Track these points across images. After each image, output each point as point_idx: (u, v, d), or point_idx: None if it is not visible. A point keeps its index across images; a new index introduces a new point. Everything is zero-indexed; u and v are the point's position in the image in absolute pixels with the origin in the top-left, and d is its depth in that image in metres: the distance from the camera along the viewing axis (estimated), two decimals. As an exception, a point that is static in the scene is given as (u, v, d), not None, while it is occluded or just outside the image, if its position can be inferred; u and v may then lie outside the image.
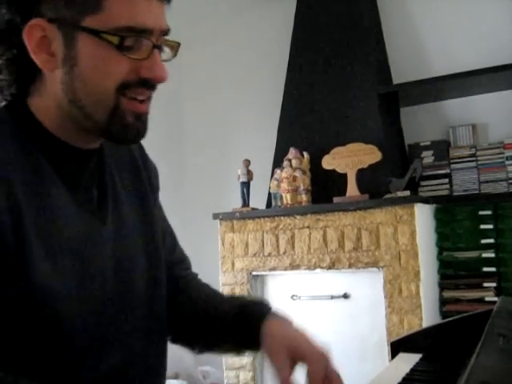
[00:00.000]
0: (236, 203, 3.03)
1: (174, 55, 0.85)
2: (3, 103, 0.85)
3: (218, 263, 2.97)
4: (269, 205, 2.99)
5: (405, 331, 2.45)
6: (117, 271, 0.86)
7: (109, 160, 0.92)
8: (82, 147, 0.85)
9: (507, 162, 2.71)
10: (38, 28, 0.77)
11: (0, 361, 0.73)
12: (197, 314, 1.00)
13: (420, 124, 3.05)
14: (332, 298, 2.72)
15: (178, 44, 0.85)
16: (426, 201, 2.68)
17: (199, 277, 1.13)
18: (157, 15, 0.79)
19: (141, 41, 0.77)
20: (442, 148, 2.88)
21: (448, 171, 2.84)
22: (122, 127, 0.80)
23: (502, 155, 2.73)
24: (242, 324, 0.92)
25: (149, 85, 0.80)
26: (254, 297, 1.02)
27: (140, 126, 0.82)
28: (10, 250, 0.73)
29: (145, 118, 0.83)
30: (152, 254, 0.94)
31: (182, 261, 1.09)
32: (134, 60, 0.77)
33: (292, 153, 2.90)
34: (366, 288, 2.66)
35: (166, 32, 0.81)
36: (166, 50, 0.84)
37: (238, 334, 0.92)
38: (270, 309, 0.93)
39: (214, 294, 1.04)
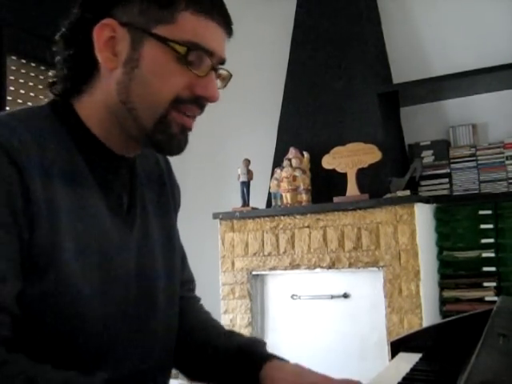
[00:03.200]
0: (236, 203, 3.03)
1: (224, 86, 0.89)
2: (47, 99, 0.87)
3: (217, 263, 2.97)
4: (269, 204, 2.99)
5: (405, 331, 2.46)
6: (139, 279, 0.88)
7: (139, 171, 0.94)
8: (119, 153, 0.87)
9: (507, 162, 2.71)
10: (109, 28, 0.80)
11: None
12: (195, 345, 1.00)
13: (420, 124, 3.05)
14: (332, 297, 2.72)
15: (230, 76, 0.89)
16: (426, 200, 2.68)
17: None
18: (220, 42, 0.84)
19: (202, 59, 0.81)
20: (441, 148, 2.88)
21: (448, 171, 2.84)
22: (166, 136, 0.83)
23: (501, 155, 2.73)
24: (241, 364, 0.92)
25: (200, 103, 0.84)
26: (252, 337, 1.02)
27: (182, 138, 0.85)
28: (42, 241, 0.74)
29: (187, 132, 0.86)
30: (170, 270, 0.96)
31: (189, 282, 1.11)
32: (192, 75, 0.81)
33: (292, 152, 2.91)
34: (365, 288, 2.66)
35: (223, 61, 0.86)
36: (217, 80, 0.87)
37: (236, 374, 0.92)
38: (267, 350, 0.94)
39: (213, 327, 1.04)
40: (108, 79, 0.83)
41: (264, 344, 0.96)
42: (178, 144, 0.85)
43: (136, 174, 0.93)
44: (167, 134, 0.83)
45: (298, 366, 0.92)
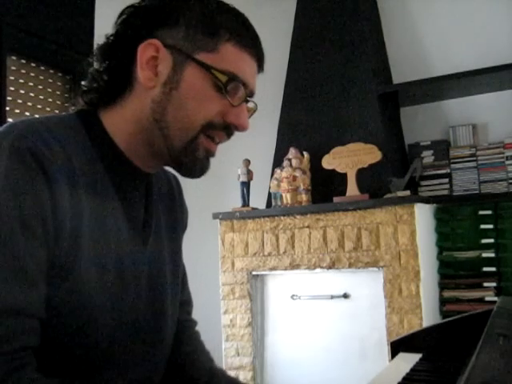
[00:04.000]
0: (236, 203, 3.03)
1: (249, 117, 0.92)
2: (75, 109, 0.89)
3: (218, 263, 2.97)
4: (269, 204, 2.99)
5: (405, 331, 2.46)
6: (150, 292, 0.90)
7: (155, 189, 0.97)
8: (141, 167, 0.89)
9: (507, 162, 2.71)
10: (153, 48, 0.83)
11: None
12: (182, 375, 1.01)
13: (420, 124, 3.06)
14: (332, 297, 2.72)
15: (256, 109, 0.93)
16: (426, 200, 2.68)
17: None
18: (254, 76, 0.89)
19: (238, 89, 0.85)
20: (442, 148, 2.88)
21: (448, 171, 2.84)
22: (192, 159, 0.86)
23: (501, 155, 2.73)
24: None
25: (229, 130, 0.88)
26: (233, 378, 1.03)
27: (206, 163, 0.89)
28: (64, 248, 0.76)
29: (211, 157, 0.89)
30: (175, 287, 0.98)
31: (188, 303, 1.11)
32: (226, 103, 0.84)
33: (292, 153, 2.91)
34: (365, 288, 2.66)
35: (252, 95, 0.90)
36: None
37: None
38: None
39: (199, 363, 1.04)
40: (144, 96, 0.85)
41: None
42: (200, 168, 0.88)
43: (152, 189, 0.95)
44: (193, 157, 0.86)
45: None
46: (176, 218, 1.02)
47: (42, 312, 0.74)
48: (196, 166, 0.88)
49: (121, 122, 0.86)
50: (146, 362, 0.89)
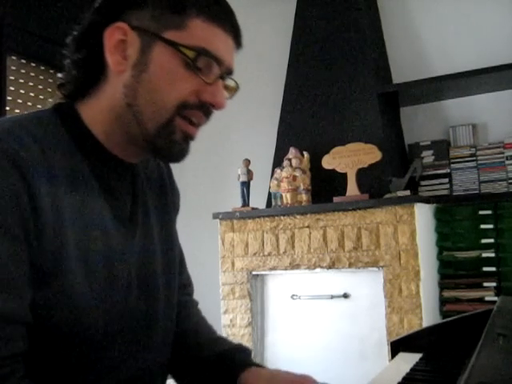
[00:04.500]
0: (236, 203, 3.03)
1: (231, 97, 0.89)
2: (51, 100, 0.88)
3: (217, 263, 2.97)
4: (269, 204, 2.99)
5: (405, 331, 2.46)
6: (140, 284, 0.88)
7: (141, 176, 0.94)
8: (123, 158, 0.87)
9: (507, 162, 2.71)
10: (120, 31, 0.81)
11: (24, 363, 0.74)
12: (184, 349, 1.01)
13: (420, 124, 3.06)
14: (332, 297, 2.72)
15: (237, 87, 0.89)
16: (426, 200, 2.68)
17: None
18: (229, 52, 0.84)
19: (211, 66, 0.81)
20: (441, 148, 2.88)
21: (448, 171, 2.84)
22: (168, 143, 0.83)
23: (501, 155, 2.73)
24: (219, 372, 0.94)
25: (206, 110, 0.84)
26: (238, 344, 1.03)
27: (184, 146, 0.85)
28: (48, 248, 0.75)
29: (190, 140, 0.86)
30: (170, 276, 0.96)
31: (187, 285, 1.11)
32: (200, 82, 0.81)
33: (292, 152, 2.91)
34: (365, 288, 2.66)
35: (231, 72, 0.86)
36: (224, 91, 0.87)
37: (215, 382, 0.94)
38: (249, 356, 0.96)
39: (202, 334, 1.04)
40: (116, 82, 0.83)
41: (246, 351, 0.97)
42: (178, 151, 0.85)
43: (138, 179, 0.93)
44: (169, 141, 0.83)
45: (275, 370, 0.94)
46: (167, 201, 1.00)
47: (29, 316, 0.73)
48: (173, 150, 0.84)
49: (97, 112, 0.85)
50: (142, 352, 0.88)
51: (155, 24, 0.80)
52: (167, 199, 1.01)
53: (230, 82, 0.88)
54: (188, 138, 0.85)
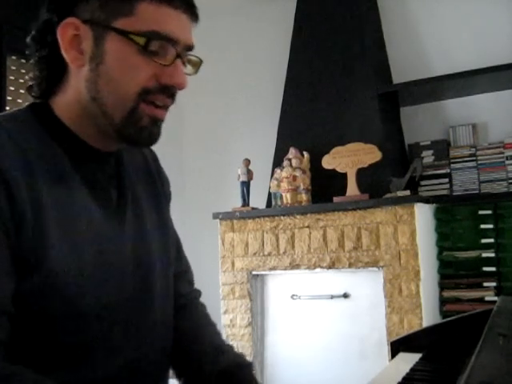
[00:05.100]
0: (236, 203, 3.03)
1: (196, 72, 0.89)
2: (27, 103, 0.88)
3: (217, 263, 2.97)
4: (269, 204, 2.99)
5: (405, 331, 2.46)
6: (135, 267, 0.88)
7: (127, 165, 0.95)
8: (100, 148, 0.88)
9: (507, 162, 2.71)
10: (72, 26, 0.81)
11: (14, 350, 0.74)
12: (186, 350, 1.00)
13: (420, 124, 3.05)
14: (332, 297, 2.72)
15: (200, 61, 0.88)
16: (426, 200, 2.68)
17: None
18: (184, 29, 0.83)
19: (166, 48, 0.81)
20: (441, 148, 2.88)
21: (448, 171, 2.84)
22: (137, 129, 0.83)
23: (501, 155, 2.73)
24: None
25: (168, 92, 0.84)
26: (240, 358, 1.02)
27: (154, 130, 0.85)
28: (29, 239, 0.75)
29: (160, 123, 0.86)
30: (165, 258, 0.96)
31: (187, 272, 1.10)
32: (157, 65, 0.81)
33: (292, 152, 2.91)
34: (365, 288, 2.66)
35: (190, 47, 0.85)
36: (188, 66, 0.87)
37: None
38: (251, 372, 0.95)
39: (206, 340, 1.02)
40: (77, 77, 0.84)
41: (249, 367, 0.97)
42: (148, 136, 0.85)
43: (123, 167, 0.93)
44: (137, 127, 0.83)
45: None
46: (157, 189, 1.00)
47: (9, 306, 0.73)
48: (143, 135, 0.84)
49: (67, 107, 0.85)
50: (140, 339, 0.88)
51: (104, 14, 0.80)
52: (156, 186, 1.01)
53: (192, 58, 0.88)
54: (156, 120, 0.85)
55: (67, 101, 0.85)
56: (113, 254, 0.85)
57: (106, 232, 0.84)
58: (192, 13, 0.85)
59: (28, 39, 0.86)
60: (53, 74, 0.86)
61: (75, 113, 0.85)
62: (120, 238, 0.87)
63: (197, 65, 0.89)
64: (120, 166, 0.93)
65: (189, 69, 0.88)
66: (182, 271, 1.06)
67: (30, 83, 0.88)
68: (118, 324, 0.84)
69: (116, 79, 0.81)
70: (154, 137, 0.86)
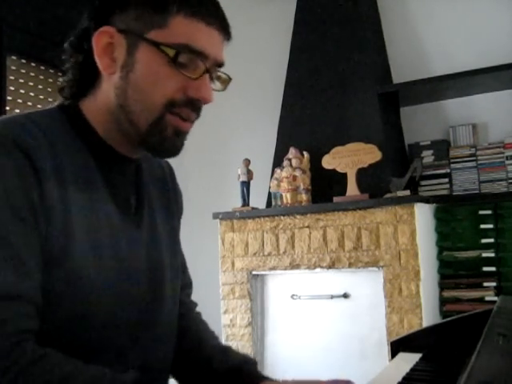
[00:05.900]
0: (236, 203, 3.03)
1: (224, 89, 0.90)
2: (57, 103, 0.91)
3: (217, 263, 2.97)
4: (269, 204, 2.99)
5: (405, 331, 2.46)
6: (149, 273, 0.90)
7: (146, 175, 0.97)
8: (124, 154, 0.90)
9: (507, 162, 2.71)
10: (107, 35, 0.84)
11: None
12: (189, 355, 1.01)
13: (420, 124, 3.05)
14: (332, 297, 2.72)
15: (229, 79, 0.90)
16: (426, 200, 2.68)
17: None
18: (214, 45, 0.85)
19: (195, 62, 0.83)
20: (441, 148, 2.88)
21: (448, 171, 2.84)
22: (160, 139, 0.85)
23: (501, 155, 2.73)
24: None
25: (194, 105, 0.85)
26: (245, 356, 1.03)
27: (177, 141, 0.87)
28: (56, 235, 0.77)
29: (184, 136, 0.88)
30: (174, 267, 0.98)
31: (189, 286, 1.12)
32: (185, 78, 0.83)
33: (292, 152, 2.91)
34: (365, 288, 2.66)
35: (220, 64, 0.87)
36: (217, 82, 0.90)
37: None
38: (257, 368, 0.97)
39: (207, 341, 1.04)
40: (108, 84, 0.86)
41: (255, 364, 0.98)
42: (171, 147, 0.87)
43: (142, 175, 0.96)
44: (161, 137, 0.85)
45: (287, 382, 0.93)
46: (170, 202, 1.02)
47: (39, 298, 0.74)
48: (165, 146, 0.86)
49: (96, 111, 0.88)
50: (145, 344, 0.89)
51: (139, 25, 0.83)
52: (170, 200, 1.03)
53: (221, 75, 0.89)
54: (180, 133, 0.86)
55: (96, 105, 0.87)
56: (130, 257, 0.86)
57: (125, 237, 0.86)
58: (225, 30, 0.87)
59: (65, 45, 0.89)
60: (85, 78, 0.88)
61: (103, 117, 0.87)
62: (136, 243, 0.89)
63: (225, 82, 0.91)
64: (139, 173, 0.95)
65: (217, 85, 0.90)
66: (184, 284, 1.08)
67: (62, 85, 0.91)
68: (129, 326, 0.85)
69: (144, 89, 0.83)
70: (176, 148, 0.88)
